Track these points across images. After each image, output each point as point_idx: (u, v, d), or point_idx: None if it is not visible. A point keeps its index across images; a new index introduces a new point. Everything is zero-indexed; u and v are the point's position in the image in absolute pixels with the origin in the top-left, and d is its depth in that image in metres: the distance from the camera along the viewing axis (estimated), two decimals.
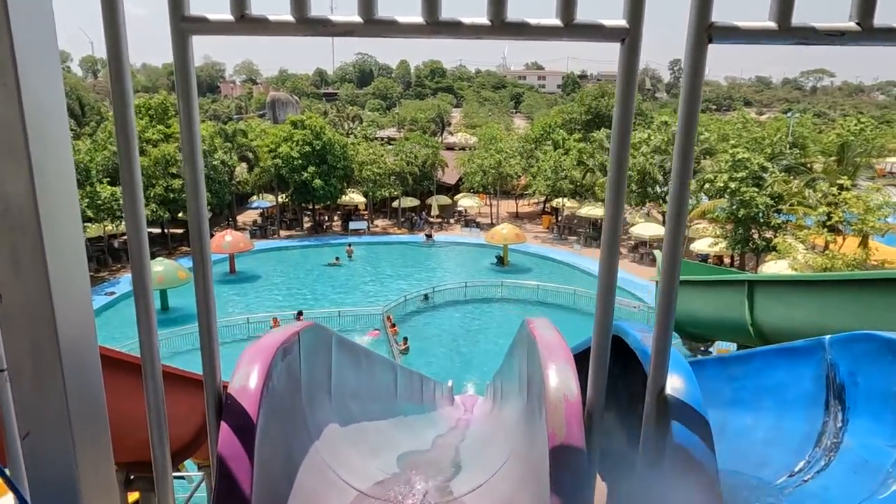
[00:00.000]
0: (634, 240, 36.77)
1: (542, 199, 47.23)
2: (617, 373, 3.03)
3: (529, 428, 2.25)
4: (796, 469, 2.76)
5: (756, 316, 7.46)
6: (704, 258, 31.90)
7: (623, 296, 27.15)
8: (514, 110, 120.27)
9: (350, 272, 33.59)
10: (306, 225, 43.45)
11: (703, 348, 10.22)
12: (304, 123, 38.44)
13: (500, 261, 34.16)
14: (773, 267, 24.45)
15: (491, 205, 45.75)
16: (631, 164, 33.09)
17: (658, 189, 33.83)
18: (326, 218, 44.17)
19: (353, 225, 41.84)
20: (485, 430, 4.89)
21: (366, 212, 45.12)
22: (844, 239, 23.53)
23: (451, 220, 45.89)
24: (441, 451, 4.44)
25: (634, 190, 34.28)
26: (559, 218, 43.75)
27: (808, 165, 28.83)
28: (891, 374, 2.38)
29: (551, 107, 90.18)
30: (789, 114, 54.26)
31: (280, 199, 42.53)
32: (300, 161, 37.25)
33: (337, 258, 34.63)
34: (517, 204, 50.30)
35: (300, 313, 23.98)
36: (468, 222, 44.00)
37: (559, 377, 1.94)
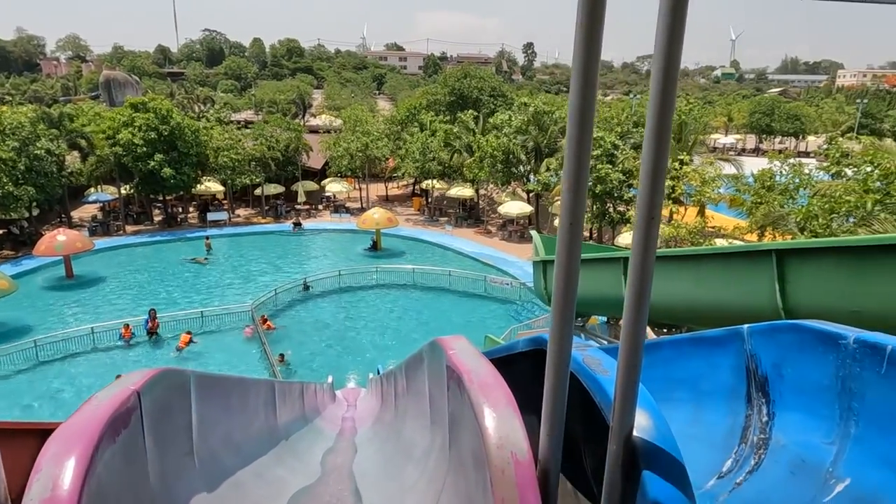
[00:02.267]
0: (503, 218, 37.92)
1: (412, 181, 47.12)
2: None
3: (462, 486, 1.83)
4: (724, 469, 2.63)
5: None
6: None
7: (494, 273, 27.90)
8: (378, 91, 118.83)
9: (211, 267, 31.08)
10: (157, 218, 39.51)
11: (579, 323, 10.50)
12: (147, 106, 34.59)
13: (374, 245, 33.54)
14: (627, 238, 26.37)
15: (360, 189, 44.78)
16: (496, 145, 33.97)
17: (521, 168, 35.02)
18: (181, 210, 40.49)
19: (211, 216, 38.72)
20: (384, 447, 4.39)
21: (225, 201, 42.02)
22: (686, 209, 25.94)
23: (320, 207, 44.26)
24: (333, 480, 3.88)
25: (500, 169, 35.20)
26: (429, 200, 43.92)
27: None
28: (823, 366, 2.26)
29: (414, 88, 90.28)
30: (631, 95, 58.92)
31: (124, 191, 38.15)
32: (144, 148, 33.53)
33: (206, 256, 31.91)
34: (387, 187, 49.75)
35: (153, 313, 21.67)
36: (338, 208, 42.70)
37: (503, 431, 1.51)
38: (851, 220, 14.26)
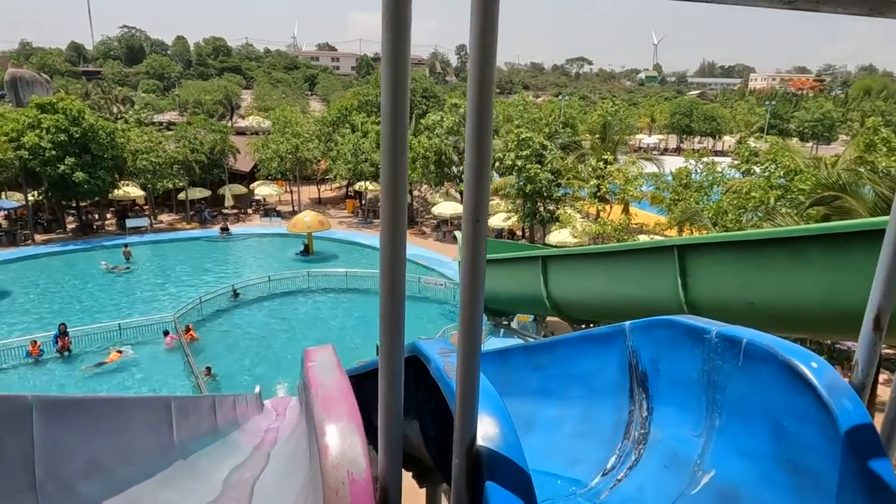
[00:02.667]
0: (437, 218, 37.98)
1: (345, 183, 46.46)
2: (420, 399, 2.63)
3: None
4: (608, 466, 2.65)
5: (550, 289, 7.79)
6: (500, 233, 34.20)
7: (429, 274, 27.89)
8: (310, 92, 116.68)
9: (132, 277, 29.48)
10: (71, 226, 37.12)
11: (505, 322, 10.60)
12: (56, 106, 32.41)
13: (306, 249, 32.81)
14: (557, 236, 27.03)
15: (291, 192, 43.72)
16: (428, 146, 34.01)
17: (454, 169, 35.21)
18: (97, 216, 38.19)
19: (130, 223, 36.70)
20: (287, 459, 4.23)
21: (146, 206, 39.99)
22: (611, 207, 26.83)
23: (250, 211, 42.90)
24: (231, 498, 3.69)
25: (433, 170, 35.26)
26: (363, 202, 43.44)
27: (579, 143, 32.31)
28: (692, 361, 2.31)
29: (347, 89, 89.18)
30: (560, 97, 60.48)
31: (32, 198, 35.59)
32: (54, 152, 31.41)
33: (128, 265, 30.20)
34: (319, 189, 48.83)
35: (63, 328, 20.29)
36: (268, 211, 41.52)
37: (340, 448, 1.42)
38: (759, 214, 15.14)
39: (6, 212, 36.36)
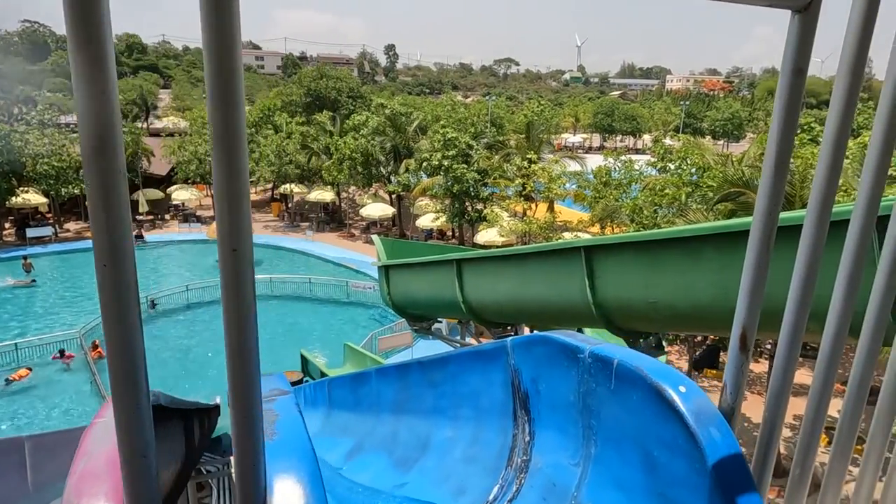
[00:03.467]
0: (366, 220, 37.39)
1: (270, 185, 44.97)
2: None
3: None
4: (491, 497, 2.43)
5: (466, 293, 7.62)
6: (429, 233, 34.04)
7: (358, 278, 27.34)
8: None
9: (34, 291, 27.24)
10: None
11: (427, 326, 10.36)
12: None
13: None
14: (485, 235, 27.14)
15: (212, 195, 41.77)
16: (354, 147, 33.41)
17: (382, 169, 34.74)
18: None
19: (32, 232, 33.95)
20: None
21: (50, 214, 37.14)
22: (537, 205, 27.20)
23: (167, 216, 40.72)
24: None
25: (360, 171, 34.64)
26: (289, 205, 42.20)
27: (505, 142, 32.62)
28: (568, 381, 2.12)
29: (272, 88, 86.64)
30: (488, 97, 61.14)
31: None
32: None
33: (33, 279, 27.81)
34: None
35: None
36: (187, 217, 39.53)
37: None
38: (673, 210, 15.66)
39: None
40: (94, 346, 19.90)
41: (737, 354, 1.59)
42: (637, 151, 69.74)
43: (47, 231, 34.62)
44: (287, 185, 39.65)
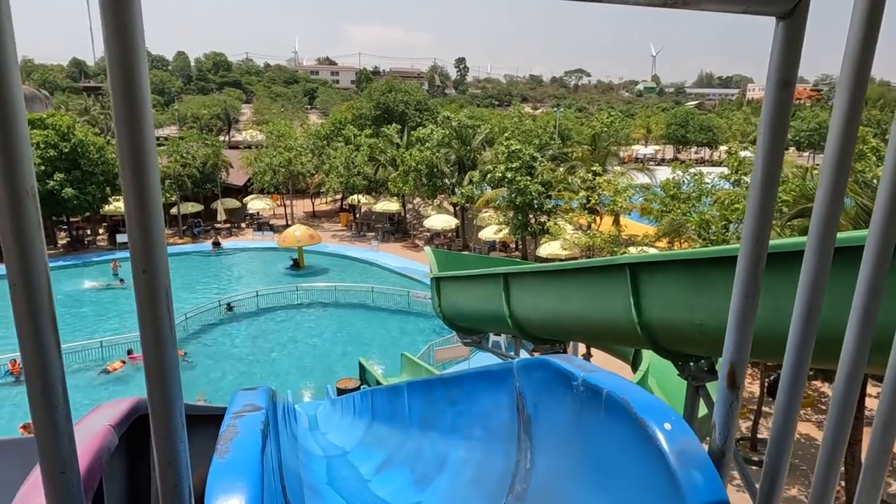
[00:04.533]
0: (429, 231, 37.72)
1: (339, 196, 46.30)
2: None
3: None
4: None
5: (512, 307, 7.50)
6: (492, 245, 33.91)
7: (418, 287, 27.54)
8: (309, 106, 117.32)
9: (121, 294, 29.19)
10: (62, 241, 36.97)
11: (478, 339, 10.26)
12: (46, 122, 32.37)
13: (296, 264, 32.55)
14: (548, 248, 26.72)
15: (285, 205, 43.53)
16: (420, 158, 33.86)
17: (446, 181, 35.00)
18: (89, 231, 38.02)
19: (121, 238, 36.42)
20: None
21: None
22: (601, 218, 26.53)
23: (243, 225, 42.72)
24: None
25: (425, 183, 35.06)
26: (357, 215, 43.24)
27: (571, 154, 32.11)
28: (564, 409, 2.01)
29: (346, 102, 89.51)
30: (556, 109, 60.52)
31: None
32: (44, 167, 31.31)
33: (122, 279, 29.88)
34: (314, 203, 48.69)
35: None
36: (261, 225, 41.30)
37: None
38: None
39: None
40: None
41: (726, 393, 1.45)
42: (713, 164, 66.86)
43: None
44: (355, 196, 40.68)
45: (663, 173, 30.53)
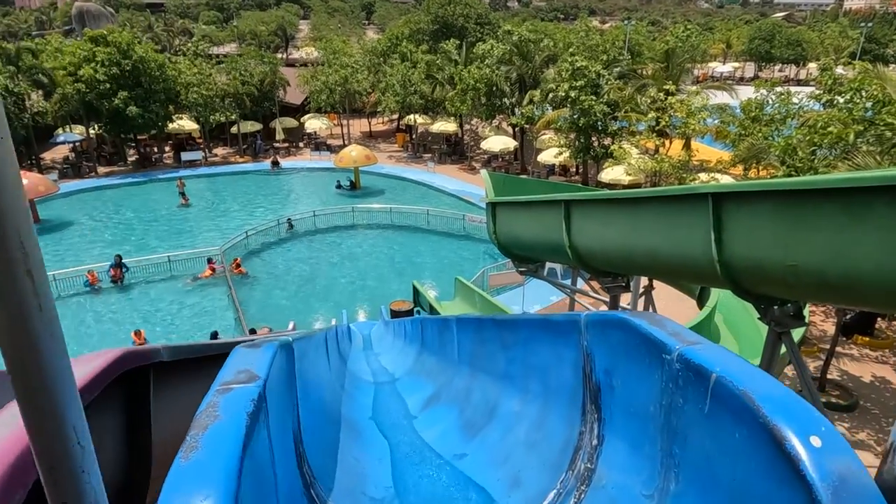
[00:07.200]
0: (487, 153, 36.70)
1: (395, 116, 45.44)
2: None
3: None
4: (546, 502, 1.99)
5: (573, 237, 6.97)
6: (551, 169, 32.69)
7: (474, 211, 27.08)
8: (367, 21, 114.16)
9: (185, 210, 30.17)
10: (132, 158, 38.24)
11: (534, 268, 9.81)
12: (108, 39, 32.62)
13: (352, 184, 32.54)
14: (611, 173, 25.44)
15: (342, 125, 43.15)
16: (478, 77, 32.40)
17: (505, 101, 33.49)
18: (155, 149, 39.09)
19: (185, 156, 37.40)
20: None
21: (201, 140, 40.54)
22: (671, 142, 24.85)
23: (301, 144, 42.84)
24: None
25: (483, 103, 33.69)
26: (413, 135, 42.46)
27: (641, 72, 29.82)
28: (649, 386, 1.56)
29: (403, 16, 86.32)
30: (627, 22, 56.17)
31: (93, 131, 36.70)
32: (108, 85, 31.87)
33: (186, 197, 30.77)
34: (370, 122, 48.08)
35: (119, 260, 21.03)
36: (318, 145, 41.28)
37: None
38: (836, 152, 13.40)
39: (73, 145, 37.74)
40: (237, 265, 21.72)
41: None
42: (799, 83, 61.21)
43: (198, 155, 37.92)
44: (411, 116, 39.76)
45: (743, 93, 28.07)
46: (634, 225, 5.87)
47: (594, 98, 25.60)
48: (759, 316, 5.10)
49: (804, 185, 3.85)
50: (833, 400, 13.74)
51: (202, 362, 2.25)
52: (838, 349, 14.92)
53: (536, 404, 2.53)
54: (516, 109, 32.92)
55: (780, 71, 71.15)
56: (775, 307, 5.01)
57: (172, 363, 1.93)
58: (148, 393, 1.77)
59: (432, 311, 14.92)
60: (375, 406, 4.86)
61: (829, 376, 14.42)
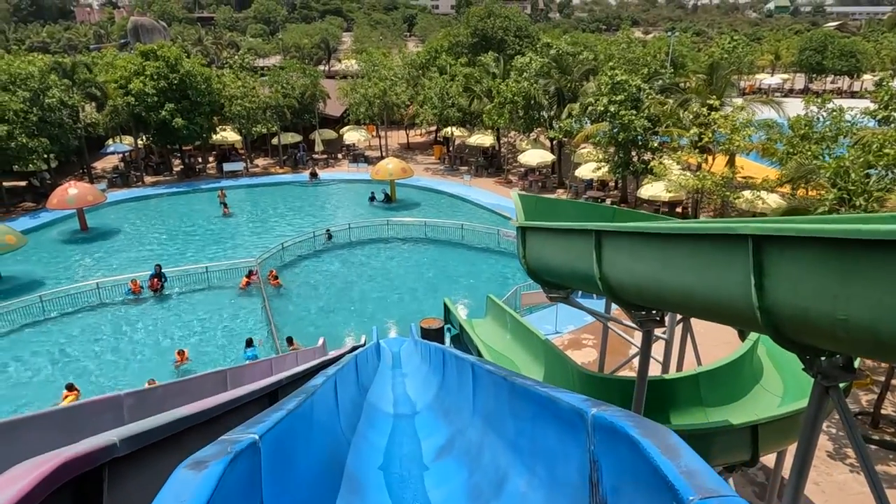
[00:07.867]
0: (524, 167, 36.35)
1: (433, 128, 45.55)
2: None
3: None
4: None
5: (604, 268, 6.66)
6: (589, 183, 32.11)
7: (509, 226, 26.73)
8: (408, 33, 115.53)
9: (225, 220, 30.79)
10: (177, 169, 39.38)
11: (564, 294, 9.49)
12: (157, 54, 33.76)
13: (387, 198, 32.66)
14: (650, 190, 24.79)
15: (380, 137, 43.51)
16: (516, 90, 32.17)
17: (543, 114, 33.12)
18: (199, 160, 40.17)
19: (228, 166, 38.29)
20: None
21: (243, 151, 41.48)
22: (714, 158, 24.06)
23: (339, 156, 43.36)
24: None
25: (521, 116, 33.42)
26: (450, 148, 42.46)
27: (684, 85, 29.06)
28: None
29: (444, 28, 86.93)
30: (670, 33, 55.01)
31: (141, 142, 37.99)
32: (156, 97, 32.95)
33: (227, 207, 31.48)
34: (408, 134, 48.35)
35: (159, 269, 21.52)
36: (356, 157, 41.70)
37: None
38: (893, 175, 12.63)
39: (122, 155, 39.13)
40: (274, 276, 21.97)
41: None
42: (853, 95, 58.73)
43: (239, 166, 38.77)
44: (448, 129, 39.78)
45: (792, 107, 27.03)
46: (666, 262, 5.53)
47: (634, 112, 25.02)
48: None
49: (855, 234, 3.49)
50: (888, 438, 12.87)
51: (172, 441, 2.07)
52: (894, 381, 14.00)
53: (542, 493, 2.28)
54: (554, 123, 32.53)
55: (831, 83, 68.52)
56: (822, 358, 4.61)
57: (132, 454, 1.76)
58: (101, 498, 1.61)
59: (462, 330, 14.67)
60: (389, 449, 4.65)
61: (882, 411, 13.53)
